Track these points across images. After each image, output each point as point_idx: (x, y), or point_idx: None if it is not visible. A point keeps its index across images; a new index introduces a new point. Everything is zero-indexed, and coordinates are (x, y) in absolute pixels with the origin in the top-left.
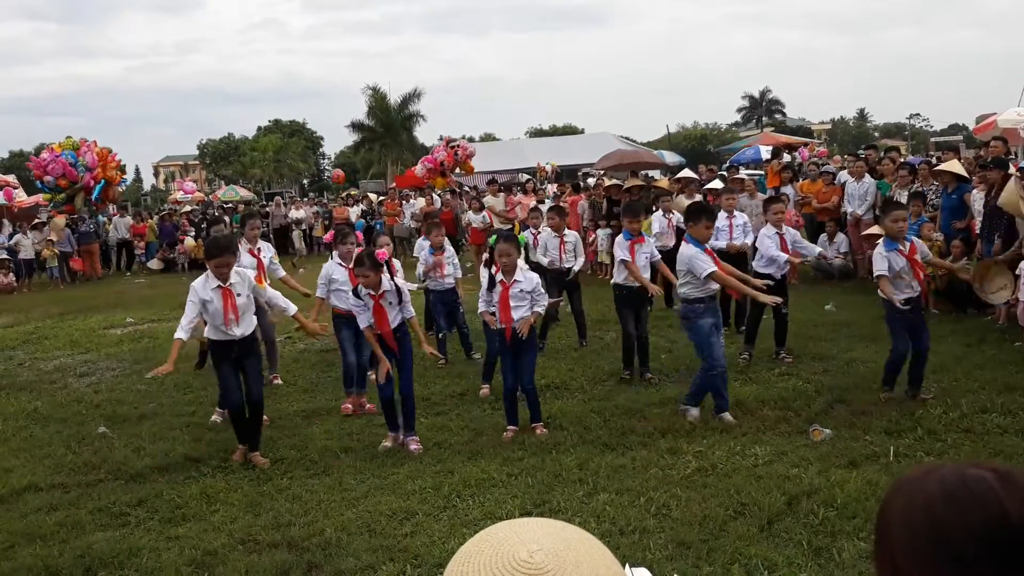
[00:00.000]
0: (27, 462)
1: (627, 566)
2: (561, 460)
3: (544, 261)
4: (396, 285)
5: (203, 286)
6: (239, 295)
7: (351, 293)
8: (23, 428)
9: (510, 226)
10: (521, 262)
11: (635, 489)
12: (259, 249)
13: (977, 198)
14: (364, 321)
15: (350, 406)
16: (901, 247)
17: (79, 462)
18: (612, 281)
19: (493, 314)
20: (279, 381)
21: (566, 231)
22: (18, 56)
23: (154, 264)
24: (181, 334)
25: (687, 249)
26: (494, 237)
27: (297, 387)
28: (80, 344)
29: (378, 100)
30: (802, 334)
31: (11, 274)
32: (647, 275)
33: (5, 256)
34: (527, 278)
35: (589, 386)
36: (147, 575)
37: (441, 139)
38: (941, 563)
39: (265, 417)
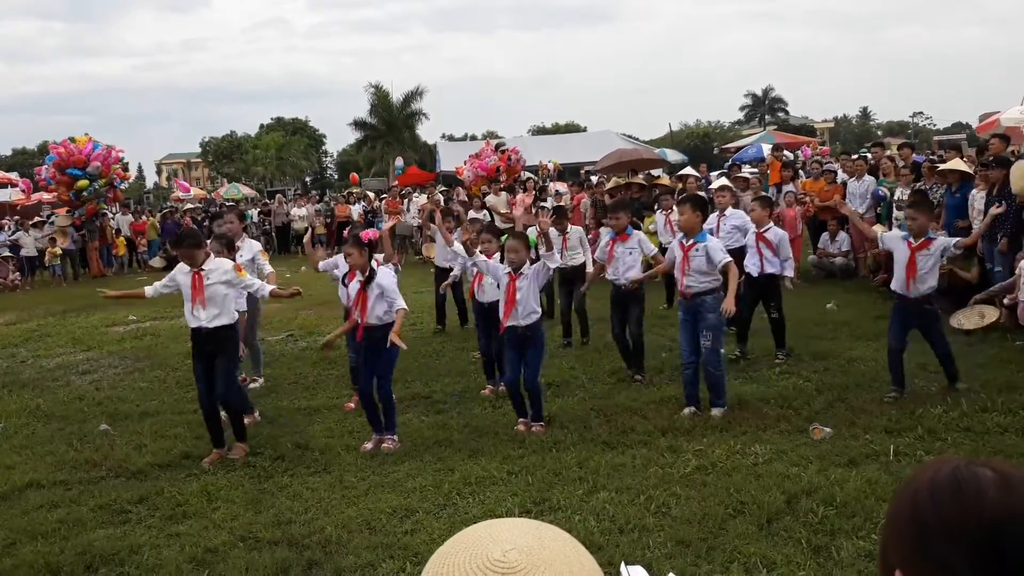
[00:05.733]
0: (29, 459)
1: (623, 564)
2: (561, 458)
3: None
4: (378, 276)
5: (181, 268)
6: (209, 281)
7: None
8: (25, 425)
9: (511, 226)
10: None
11: (635, 487)
12: (237, 247)
13: (978, 198)
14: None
15: (353, 404)
16: (911, 240)
17: (80, 459)
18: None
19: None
20: (255, 385)
21: (570, 227)
22: (25, 55)
23: (156, 262)
24: (149, 290)
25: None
26: (505, 236)
27: (299, 385)
28: (82, 342)
29: (381, 98)
30: (803, 333)
31: (16, 271)
32: (635, 271)
33: (8, 254)
34: (530, 268)
35: (590, 384)
36: (148, 572)
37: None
38: (920, 558)
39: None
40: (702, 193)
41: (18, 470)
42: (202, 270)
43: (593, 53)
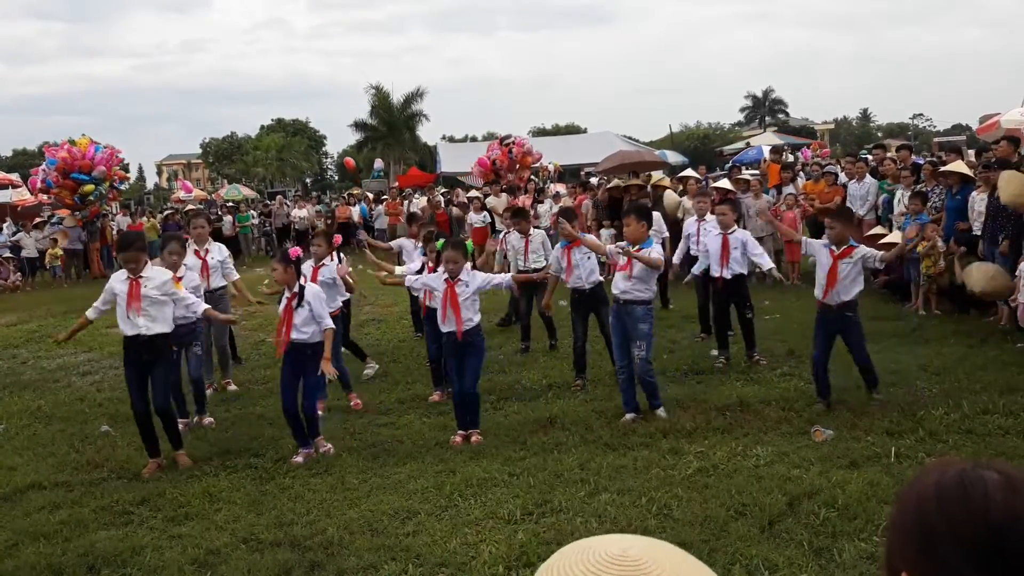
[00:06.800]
0: (30, 461)
1: None
2: (563, 460)
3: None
4: (306, 294)
5: (117, 277)
6: (146, 287)
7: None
8: (26, 427)
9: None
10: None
11: (636, 489)
12: (206, 250)
13: (979, 199)
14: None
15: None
16: (833, 248)
17: (82, 461)
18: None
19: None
20: (233, 387)
21: (532, 231)
22: (25, 56)
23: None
24: (90, 313)
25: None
26: (441, 242)
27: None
28: (83, 343)
29: (381, 99)
30: (804, 334)
31: (17, 272)
32: (597, 273)
33: (8, 255)
34: (473, 277)
35: (591, 386)
36: (150, 573)
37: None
38: (925, 560)
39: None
40: (647, 201)
41: (20, 471)
42: (140, 277)
43: (593, 54)
